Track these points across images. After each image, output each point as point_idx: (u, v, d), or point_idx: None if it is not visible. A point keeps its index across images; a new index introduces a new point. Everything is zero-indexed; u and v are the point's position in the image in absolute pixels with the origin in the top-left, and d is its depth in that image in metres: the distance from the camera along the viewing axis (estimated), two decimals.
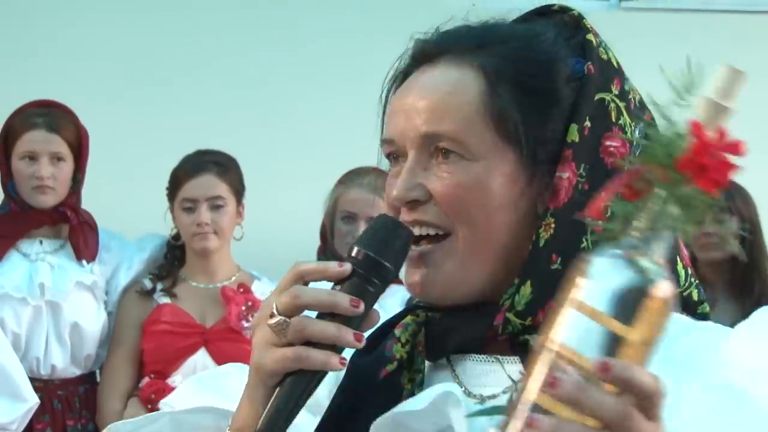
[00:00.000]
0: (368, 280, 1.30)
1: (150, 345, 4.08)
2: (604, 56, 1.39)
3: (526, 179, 1.34)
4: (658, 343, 1.04)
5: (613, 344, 1.03)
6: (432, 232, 1.35)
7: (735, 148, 1.07)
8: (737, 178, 1.04)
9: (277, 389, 1.29)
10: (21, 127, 4.03)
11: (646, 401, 1.02)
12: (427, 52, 1.40)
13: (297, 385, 1.29)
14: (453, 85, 1.35)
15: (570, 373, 1.03)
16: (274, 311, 1.28)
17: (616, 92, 1.38)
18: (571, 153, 1.34)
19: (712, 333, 1.37)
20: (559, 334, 1.04)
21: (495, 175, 1.33)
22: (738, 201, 4.46)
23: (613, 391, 1.02)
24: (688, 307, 1.42)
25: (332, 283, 1.32)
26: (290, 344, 1.28)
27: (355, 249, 1.32)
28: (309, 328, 1.27)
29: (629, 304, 1.03)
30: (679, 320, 1.40)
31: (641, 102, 1.41)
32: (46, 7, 5.06)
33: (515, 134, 1.34)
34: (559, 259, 1.33)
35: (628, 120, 1.38)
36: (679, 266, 1.40)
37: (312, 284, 1.32)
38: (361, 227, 3.93)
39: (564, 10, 1.44)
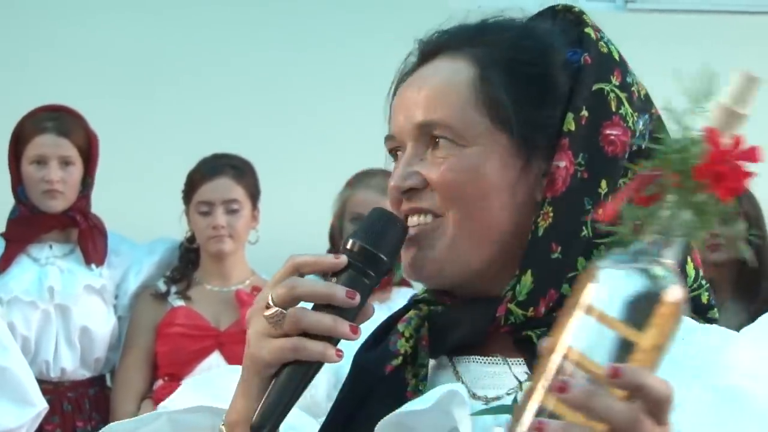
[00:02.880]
0: (363, 272, 1.31)
1: (164, 347, 4.09)
2: (604, 49, 1.41)
3: (521, 164, 1.37)
4: (669, 349, 1.05)
5: (624, 349, 1.03)
6: (430, 219, 1.37)
7: (751, 155, 1.06)
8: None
9: (273, 381, 1.29)
10: (31, 131, 4.05)
11: (656, 406, 1.03)
12: (426, 51, 1.43)
13: (294, 376, 1.29)
14: (445, 74, 1.39)
15: (577, 377, 1.03)
16: (270, 303, 1.29)
17: (617, 83, 1.40)
18: (568, 142, 1.36)
19: (717, 336, 1.38)
20: (569, 338, 1.05)
21: (488, 159, 1.36)
22: (745, 203, 4.46)
23: (623, 396, 1.02)
24: (697, 310, 1.42)
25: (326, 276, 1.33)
26: (286, 335, 1.28)
27: (351, 241, 1.33)
28: (306, 319, 1.28)
29: (640, 309, 1.04)
30: (685, 323, 1.40)
31: (647, 96, 1.44)
32: (54, 8, 5.07)
33: (507, 119, 1.36)
34: (560, 248, 1.35)
35: (629, 110, 1.39)
36: (689, 266, 1.41)
37: (308, 277, 1.32)
38: None
39: (568, 8, 1.46)
